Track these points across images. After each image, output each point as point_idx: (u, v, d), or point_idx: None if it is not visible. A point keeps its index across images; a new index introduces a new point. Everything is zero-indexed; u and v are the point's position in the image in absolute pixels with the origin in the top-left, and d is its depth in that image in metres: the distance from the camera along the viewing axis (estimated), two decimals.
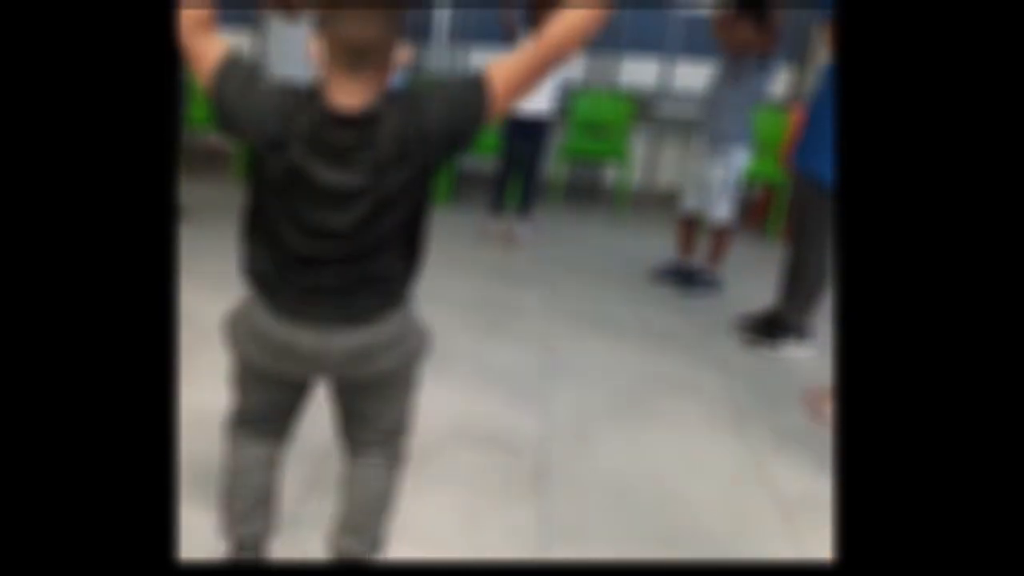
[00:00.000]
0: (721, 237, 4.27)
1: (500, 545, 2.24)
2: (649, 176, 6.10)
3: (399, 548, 2.12)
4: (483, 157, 5.58)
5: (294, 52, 4.32)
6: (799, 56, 5.67)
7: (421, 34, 5.84)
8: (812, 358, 3.60)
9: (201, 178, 5.39)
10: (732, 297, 4.27)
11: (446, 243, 4.54)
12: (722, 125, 4.02)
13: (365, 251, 1.62)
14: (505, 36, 4.65)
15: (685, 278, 4.39)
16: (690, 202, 4.28)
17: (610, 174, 6.15)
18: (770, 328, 3.72)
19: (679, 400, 3.16)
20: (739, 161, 4.07)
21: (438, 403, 2.82)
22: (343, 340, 1.67)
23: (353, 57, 1.47)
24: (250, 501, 1.89)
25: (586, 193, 6.10)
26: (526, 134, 4.67)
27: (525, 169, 4.80)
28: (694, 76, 5.71)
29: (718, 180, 4.09)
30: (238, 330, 1.74)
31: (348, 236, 1.58)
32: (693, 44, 5.67)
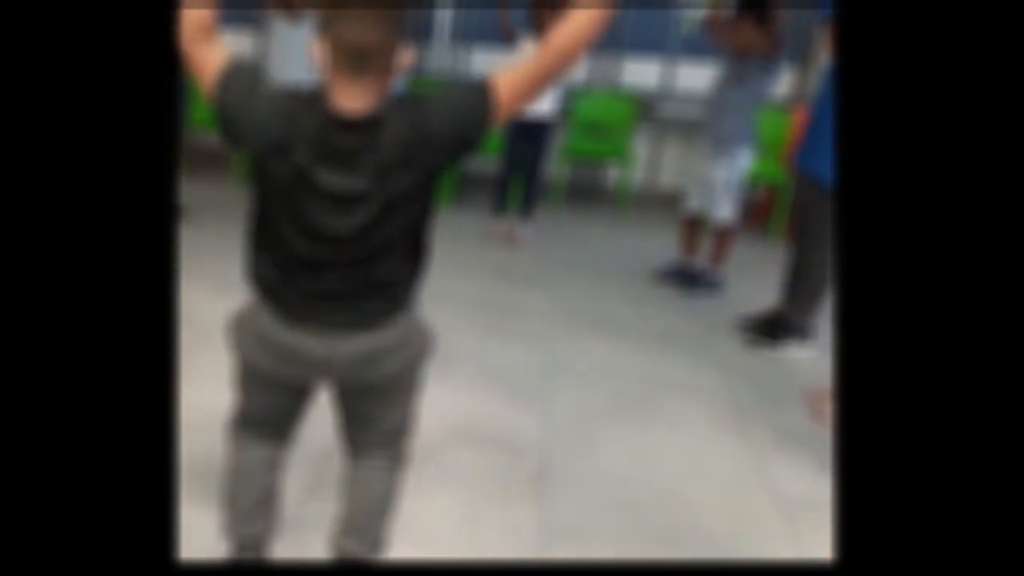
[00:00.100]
0: (724, 238, 4.26)
1: (500, 545, 2.24)
2: (651, 177, 6.10)
3: (400, 548, 2.12)
4: (486, 159, 5.58)
5: (296, 53, 4.32)
6: (801, 57, 5.66)
7: (422, 35, 5.84)
8: (814, 359, 3.59)
9: (202, 178, 5.39)
10: (734, 297, 4.27)
11: (449, 244, 4.53)
12: (726, 126, 4.01)
13: (369, 255, 1.61)
14: (503, 38, 4.65)
15: (687, 278, 4.38)
16: (693, 203, 4.28)
17: (612, 175, 6.15)
18: (772, 329, 3.71)
19: (680, 400, 3.16)
20: (742, 162, 4.06)
21: (439, 403, 2.82)
22: (348, 345, 1.67)
23: (355, 60, 1.46)
24: (252, 502, 1.89)
25: (588, 194, 6.10)
26: (529, 136, 4.67)
27: (527, 170, 4.80)
28: (696, 77, 5.70)
29: (721, 181, 4.08)
30: (242, 333, 1.74)
31: (352, 240, 1.58)
32: (695, 45, 5.66)
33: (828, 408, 3.10)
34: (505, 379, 3.18)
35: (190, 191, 4.74)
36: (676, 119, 5.73)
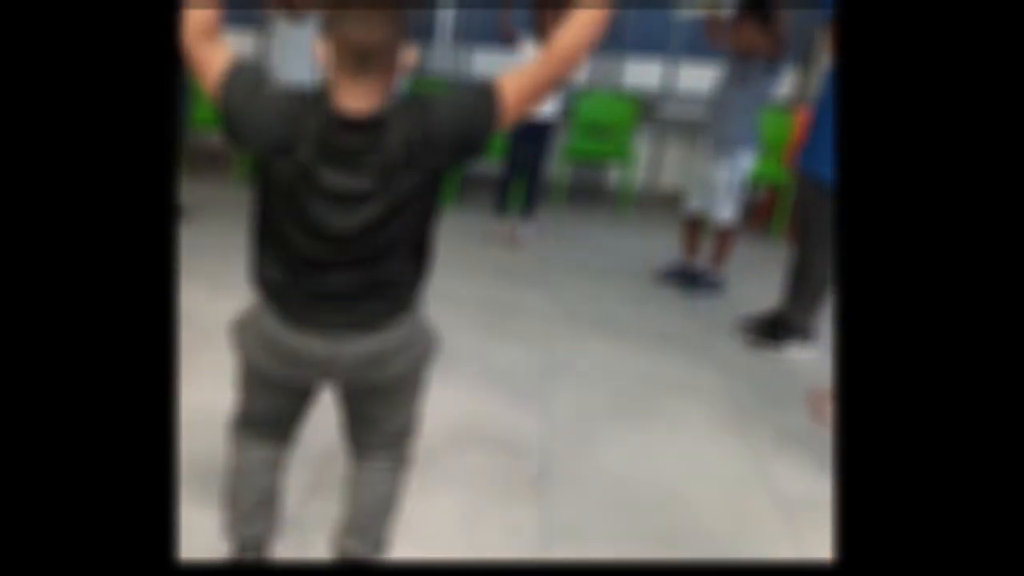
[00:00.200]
0: (725, 238, 4.26)
1: (501, 545, 2.24)
2: (652, 177, 6.10)
3: (401, 548, 2.12)
4: (487, 159, 5.58)
5: (298, 54, 4.32)
6: (803, 58, 5.66)
7: (424, 35, 5.84)
8: (815, 359, 3.59)
9: (203, 178, 5.39)
10: (735, 298, 4.27)
11: (450, 244, 4.52)
12: (728, 128, 4.00)
13: (373, 255, 1.61)
14: (503, 39, 4.64)
15: (688, 279, 4.38)
16: (694, 203, 4.27)
17: (613, 175, 6.15)
18: (774, 329, 3.71)
19: (681, 400, 3.16)
20: (745, 163, 4.06)
21: (440, 403, 2.81)
22: (353, 346, 1.67)
23: (359, 60, 1.46)
24: (253, 502, 1.89)
25: (590, 194, 6.10)
26: (530, 136, 4.67)
27: (528, 171, 4.80)
28: (698, 77, 5.70)
29: (723, 182, 4.08)
30: (246, 335, 1.74)
31: (355, 240, 1.58)
32: (696, 45, 5.66)
33: (829, 409, 3.09)
34: (506, 379, 3.18)
35: (191, 191, 4.74)
36: (677, 119, 5.73)
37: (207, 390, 2.69)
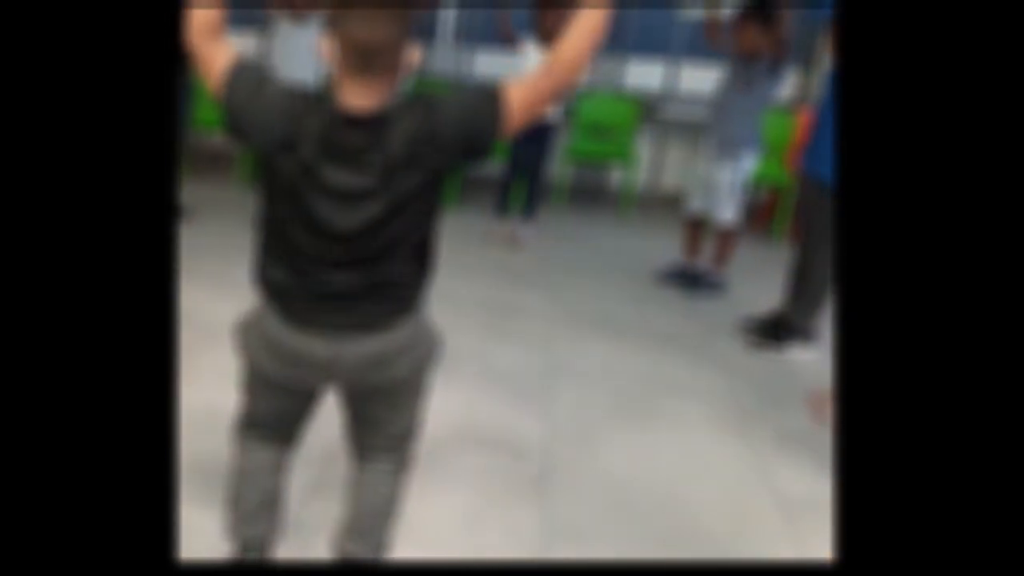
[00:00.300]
0: (727, 239, 4.26)
1: (502, 545, 2.24)
2: (654, 178, 6.10)
3: (402, 549, 2.12)
4: (489, 160, 5.59)
5: (300, 54, 4.32)
6: (806, 59, 5.66)
7: (426, 35, 5.84)
8: (817, 360, 3.59)
9: (205, 179, 5.40)
10: (737, 299, 4.27)
11: (451, 244, 4.53)
12: (732, 130, 4.00)
13: (375, 255, 1.61)
14: (503, 41, 4.64)
15: (690, 280, 4.38)
16: (695, 204, 4.27)
17: (615, 176, 6.15)
18: (776, 330, 3.71)
19: (682, 401, 3.16)
20: (748, 165, 4.06)
21: (441, 404, 2.81)
22: (355, 348, 1.67)
23: (363, 58, 1.47)
24: (255, 503, 1.89)
25: (591, 195, 6.10)
26: (532, 137, 4.66)
27: (530, 172, 4.80)
28: (699, 78, 5.70)
29: (726, 183, 4.08)
30: (249, 337, 1.74)
31: (357, 238, 1.58)
32: (698, 46, 5.66)
33: (829, 409, 3.09)
34: (506, 379, 3.18)
35: (192, 191, 4.75)
36: (679, 120, 5.73)
37: (207, 390, 2.70)
